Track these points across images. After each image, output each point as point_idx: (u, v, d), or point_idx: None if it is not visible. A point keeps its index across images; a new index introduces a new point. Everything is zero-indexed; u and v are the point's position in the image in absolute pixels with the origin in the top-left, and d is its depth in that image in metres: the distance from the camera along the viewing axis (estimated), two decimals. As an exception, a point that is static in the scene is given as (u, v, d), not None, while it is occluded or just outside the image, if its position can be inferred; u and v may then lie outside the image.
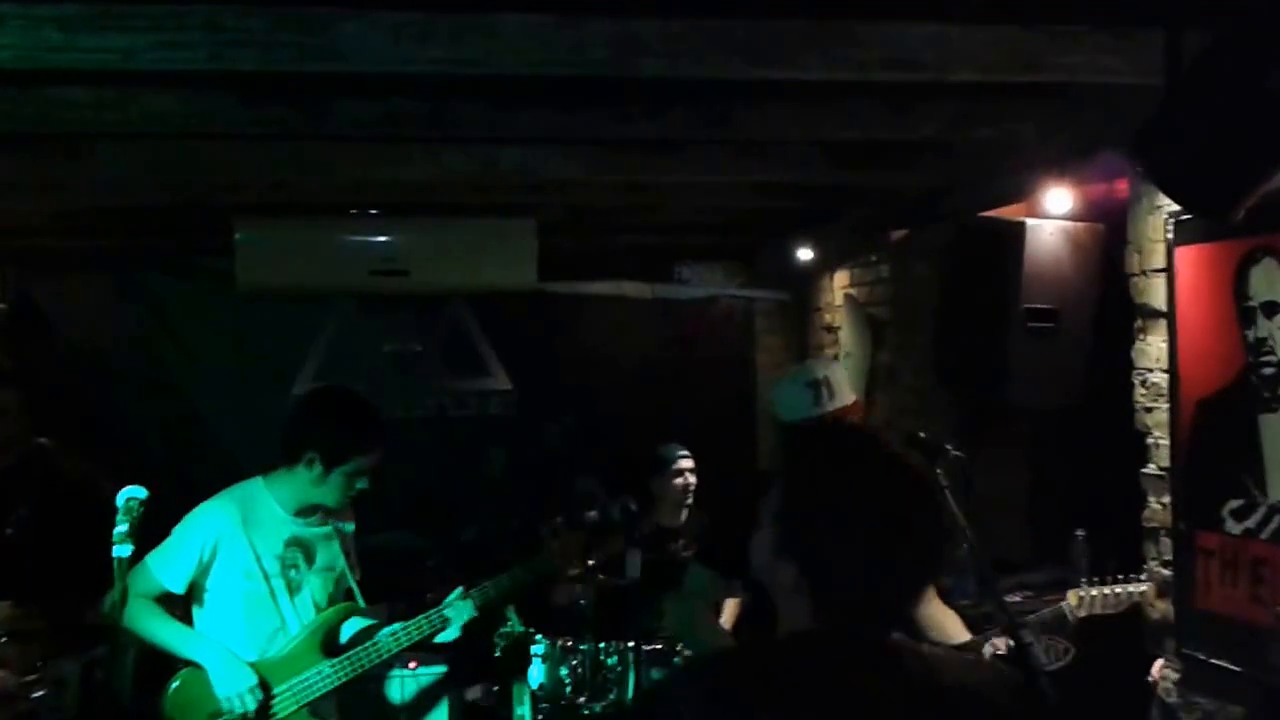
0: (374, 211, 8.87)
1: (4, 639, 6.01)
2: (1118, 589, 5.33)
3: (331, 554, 5.18)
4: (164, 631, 4.96)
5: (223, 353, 9.78)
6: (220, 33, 4.04)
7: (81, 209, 8.11)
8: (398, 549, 7.51)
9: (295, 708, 4.98)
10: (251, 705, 4.83)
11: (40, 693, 5.88)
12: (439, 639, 5.32)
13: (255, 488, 5.11)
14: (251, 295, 9.25)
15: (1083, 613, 5.26)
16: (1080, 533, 6.22)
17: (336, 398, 5.34)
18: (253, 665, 4.95)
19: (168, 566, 4.95)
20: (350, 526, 5.33)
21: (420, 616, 5.23)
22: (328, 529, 5.18)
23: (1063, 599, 5.47)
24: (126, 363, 9.92)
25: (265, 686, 4.92)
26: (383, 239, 9.01)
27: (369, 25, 4.12)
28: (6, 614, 5.96)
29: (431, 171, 6.61)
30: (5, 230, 8.82)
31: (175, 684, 4.98)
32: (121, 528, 4.20)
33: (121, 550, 4.18)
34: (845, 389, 5.19)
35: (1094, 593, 5.31)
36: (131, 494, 4.29)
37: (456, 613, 5.27)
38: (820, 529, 2.27)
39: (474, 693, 6.59)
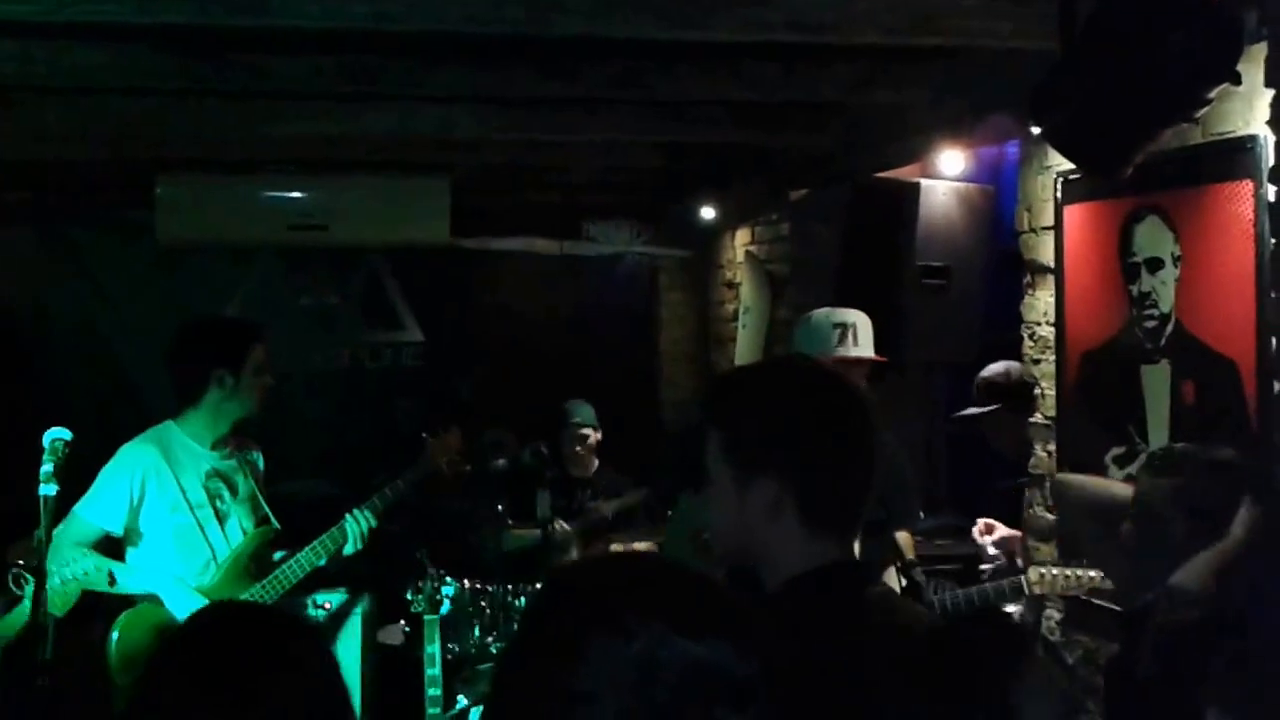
0: (293, 168, 8.98)
1: None
2: (1079, 572, 5.08)
3: (248, 485, 5.34)
4: (113, 570, 4.99)
5: (144, 303, 9.80)
6: (150, -14, 4.12)
7: (7, 161, 8.12)
8: (313, 496, 7.67)
9: None
10: None
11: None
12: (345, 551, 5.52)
13: (169, 429, 5.23)
14: (172, 248, 9.36)
15: (1040, 590, 5.16)
16: None
17: (202, 320, 5.65)
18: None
19: (101, 510, 5.00)
20: (259, 457, 5.51)
21: (324, 535, 5.45)
22: (238, 461, 5.34)
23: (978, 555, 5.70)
24: (51, 312, 9.99)
25: None
26: (301, 195, 9.16)
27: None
28: None
29: (350, 128, 6.70)
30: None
31: (115, 635, 4.95)
32: (47, 467, 4.24)
33: (47, 489, 4.23)
34: (868, 343, 5.55)
35: (1055, 572, 5.14)
36: (57, 435, 4.34)
37: (354, 523, 5.49)
38: (809, 443, 2.45)
39: (386, 633, 6.75)
